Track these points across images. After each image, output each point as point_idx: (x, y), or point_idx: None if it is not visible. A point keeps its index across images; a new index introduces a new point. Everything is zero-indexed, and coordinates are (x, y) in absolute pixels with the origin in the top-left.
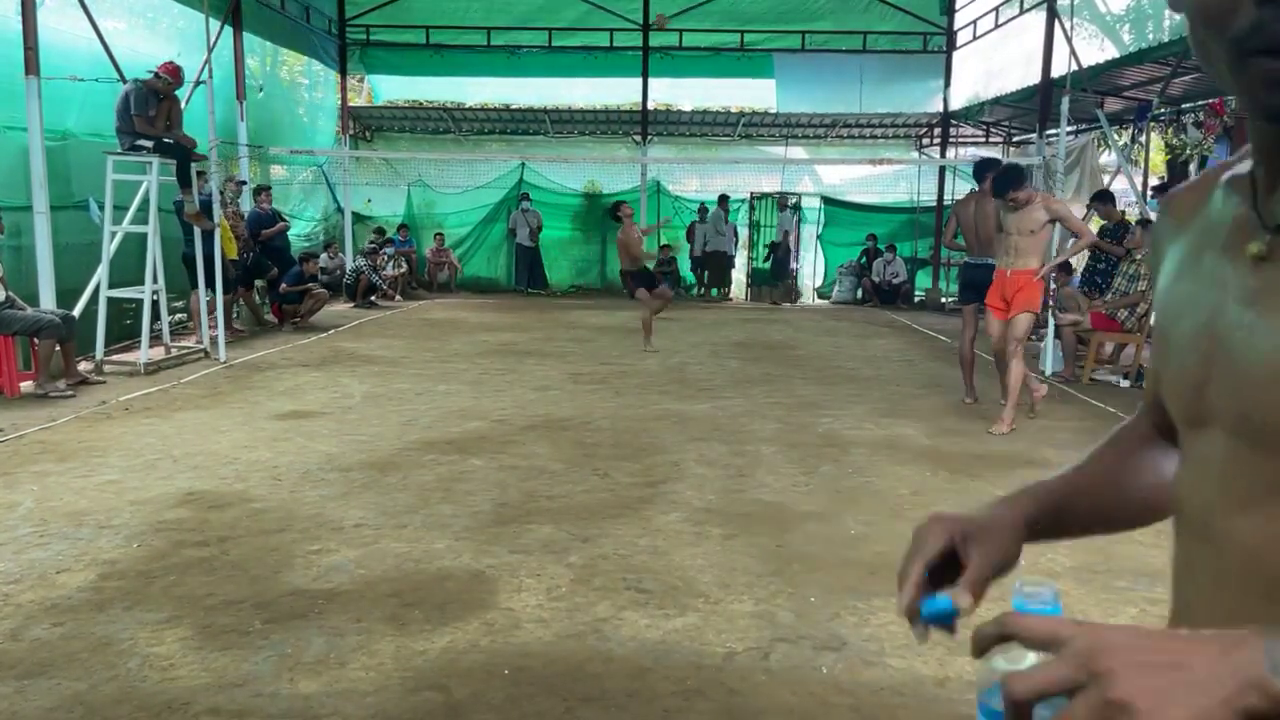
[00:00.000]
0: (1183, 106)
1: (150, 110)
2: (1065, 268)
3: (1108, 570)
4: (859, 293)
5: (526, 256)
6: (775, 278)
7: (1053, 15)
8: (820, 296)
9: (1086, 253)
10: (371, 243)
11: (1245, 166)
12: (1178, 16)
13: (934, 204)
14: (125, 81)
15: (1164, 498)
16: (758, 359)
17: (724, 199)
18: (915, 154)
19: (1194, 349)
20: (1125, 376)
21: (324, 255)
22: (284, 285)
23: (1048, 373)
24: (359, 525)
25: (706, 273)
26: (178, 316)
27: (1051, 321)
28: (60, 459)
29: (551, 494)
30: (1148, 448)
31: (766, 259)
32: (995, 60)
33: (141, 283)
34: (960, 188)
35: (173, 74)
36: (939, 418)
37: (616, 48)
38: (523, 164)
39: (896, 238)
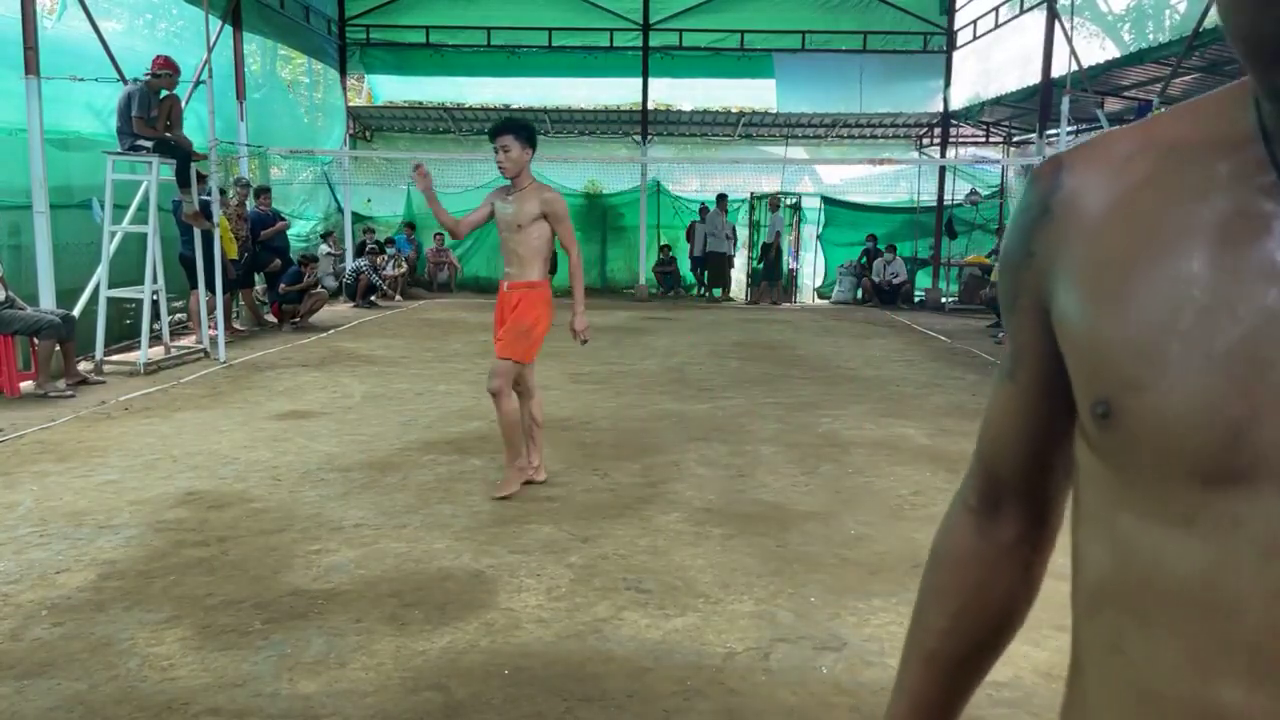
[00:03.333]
0: None
1: (151, 110)
2: None
3: None
4: (859, 293)
5: None
6: (769, 278)
7: (1053, 15)
8: (820, 296)
9: None
10: (362, 241)
11: (1232, 125)
12: (1178, 16)
13: (934, 204)
14: (125, 81)
15: (1028, 594)
16: (757, 359)
17: (722, 198)
18: (915, 154)
19: (1221, 380)
20: None
21: (324, 246)
22: (283, 285)
23: None
24: (359, 525)
25: (706, 273)
26: (177, 316)
27: None
28: (60, 459)
29: (551, 494)
30: (997, 552)
31: (760, 260)
32: (995, 60)
33: (141, 283)
34: (960, 187)
35: (167, 65)
36: (939, 418)
37: (616, 48)
38: None
39: (896, 238)
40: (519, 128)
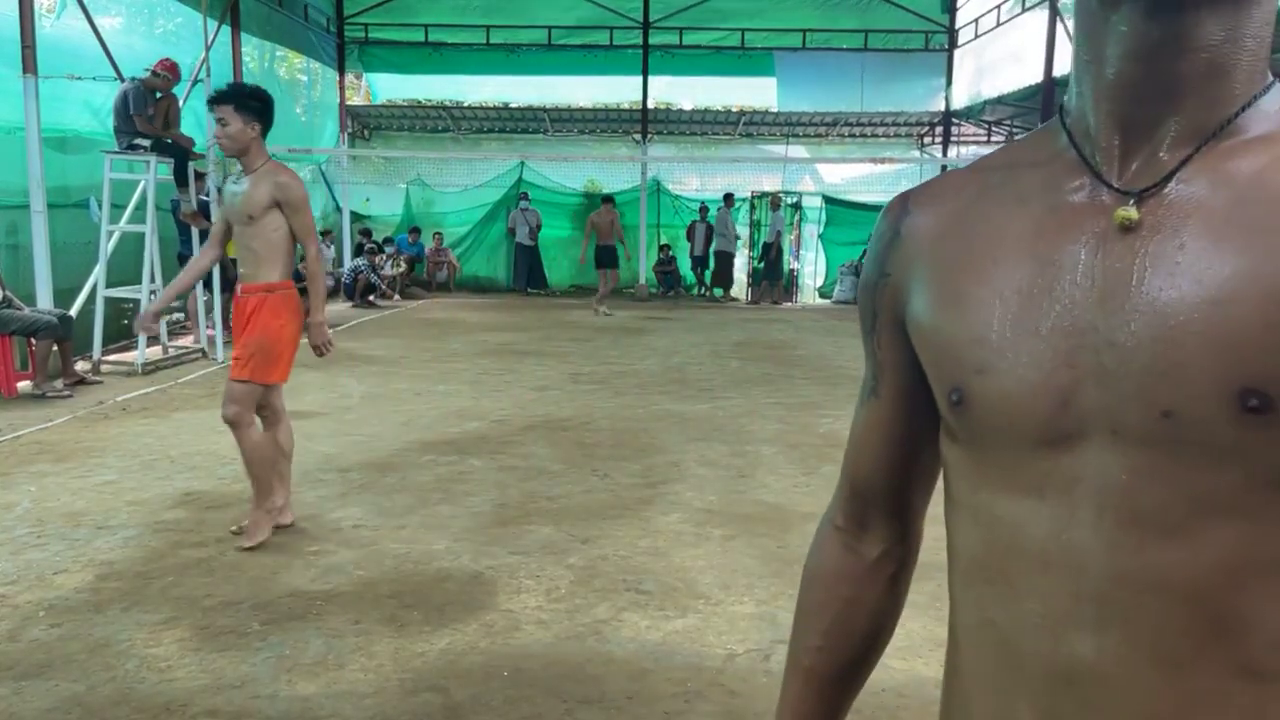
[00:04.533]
0: None
1: (148, 109)
2: None
3: None
4: None
5: (526, 256)
6: (769, 277)
7: (1055, 13)
8: (821, 296)
9: None
10: (359, 242)
11: (1044, 148)
12: None
13: None
14: (123, 80)
15: (894, 609)
16: (758, 359)
17: (729, 198)
18: (917, 153)
19: (1048, 353)
20: None
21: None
22: None
23: None
24: (357, 526)
25: (711, 272)
26: (175, 316)
27: None
28: (57, 459)
29: (551, 495)
30: (864, 569)
31: (761, 259)
32: (997, 59)
33: (139, 282)
34: None
35: (170, 70)
36: None
37: (616, 46)
38: (522, 163)
39: None
40: (240, 96)
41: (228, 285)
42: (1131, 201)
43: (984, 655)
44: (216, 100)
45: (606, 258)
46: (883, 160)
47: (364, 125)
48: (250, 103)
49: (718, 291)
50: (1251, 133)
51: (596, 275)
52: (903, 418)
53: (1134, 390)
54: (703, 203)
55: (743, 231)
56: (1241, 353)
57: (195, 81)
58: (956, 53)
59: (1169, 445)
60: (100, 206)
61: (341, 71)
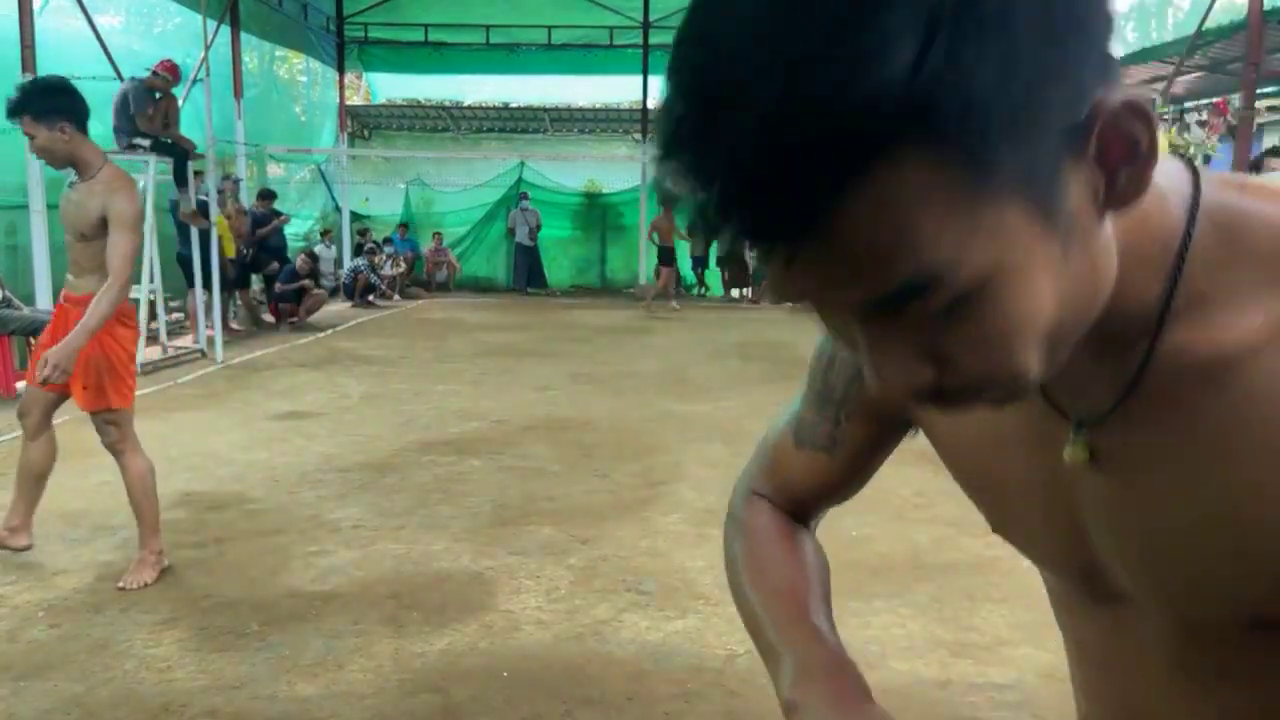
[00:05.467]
0: (1186, 105)
1: (148, 109)
2: None
3: None
4: None
5: (525, 256)
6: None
7: None
8: None
9: None
10: (358, 243)
11: None
12: (1182, 15)
13: None
14: (122, 80)
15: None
16: (758, 359)
17: None
18: None
19: (1054, 528)
20: None
21: (320, 245)
22: (279, 285)
23: None
24: (357, 526)
25: (724, 275)
26: (174, 316)
27: None
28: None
29: (551, 495)
30: (799, 527)
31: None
32: None
33: (138, 282)
34: None
35: (171, 71)
36: None
37: (616, 45)
38: (522, 163)
39: None
40: (34, 98)
41: (227, 285)
42: (1073, 437)
43: (1084, 708)
44: (10, 113)
45: (667, 257)
46: None
47: (363, 125)
48: (49, 102)
49: (717, 292)
50: (1201, 323)
51: (657, 274)
52: (850, 473)
53: (1148, 593)
54: None
55: None
56: (1237, 589)
57: (195, 81)
58: None
59: (1197, 629)
60: None
61: (341, 71)
